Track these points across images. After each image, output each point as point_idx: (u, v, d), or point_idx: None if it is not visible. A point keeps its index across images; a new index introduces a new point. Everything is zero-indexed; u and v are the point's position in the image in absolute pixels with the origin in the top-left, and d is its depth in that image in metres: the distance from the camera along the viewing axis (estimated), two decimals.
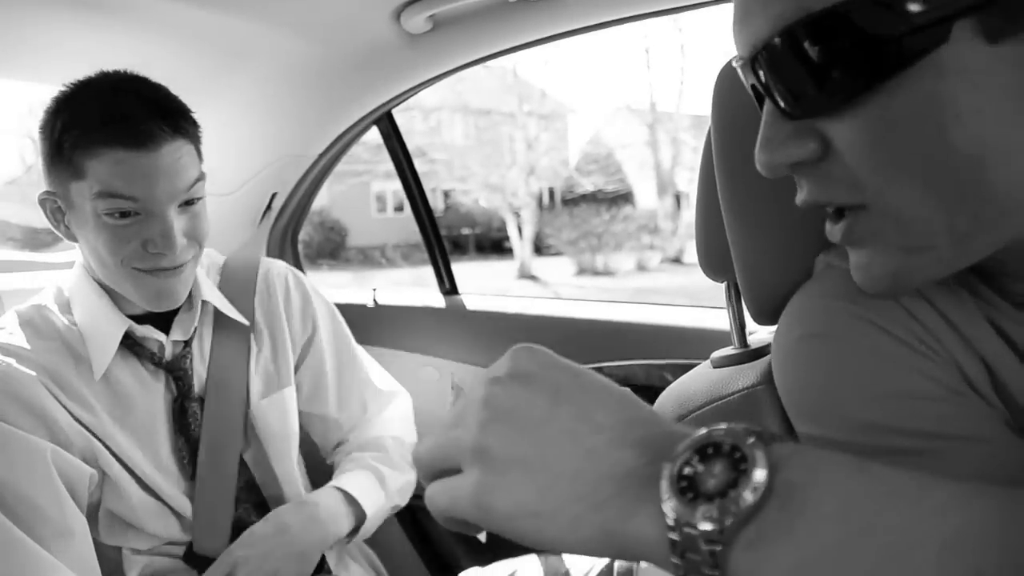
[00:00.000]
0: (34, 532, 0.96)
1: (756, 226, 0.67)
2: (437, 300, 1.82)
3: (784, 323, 0.59)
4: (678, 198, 18.79)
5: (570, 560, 1.24)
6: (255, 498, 1.28)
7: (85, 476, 1.06)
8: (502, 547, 1.32)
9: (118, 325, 1.14)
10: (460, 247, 19.85)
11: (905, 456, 0.49)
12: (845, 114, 0.47)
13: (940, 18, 0.42)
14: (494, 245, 19.77)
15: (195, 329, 1.23)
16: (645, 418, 0.44)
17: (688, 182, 18.65)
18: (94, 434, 1.10)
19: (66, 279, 1.20)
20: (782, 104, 0.49)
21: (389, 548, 1.63)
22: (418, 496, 1.77)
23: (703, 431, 0.39)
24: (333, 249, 17.88)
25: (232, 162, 1.75)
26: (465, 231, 20.30)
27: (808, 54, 0.45)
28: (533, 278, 16.56)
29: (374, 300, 1.86)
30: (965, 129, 0.44)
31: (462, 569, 1.19)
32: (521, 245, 17.39)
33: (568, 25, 1.34)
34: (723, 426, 0.39)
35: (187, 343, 1.21)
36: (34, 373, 1.06)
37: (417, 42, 1.43)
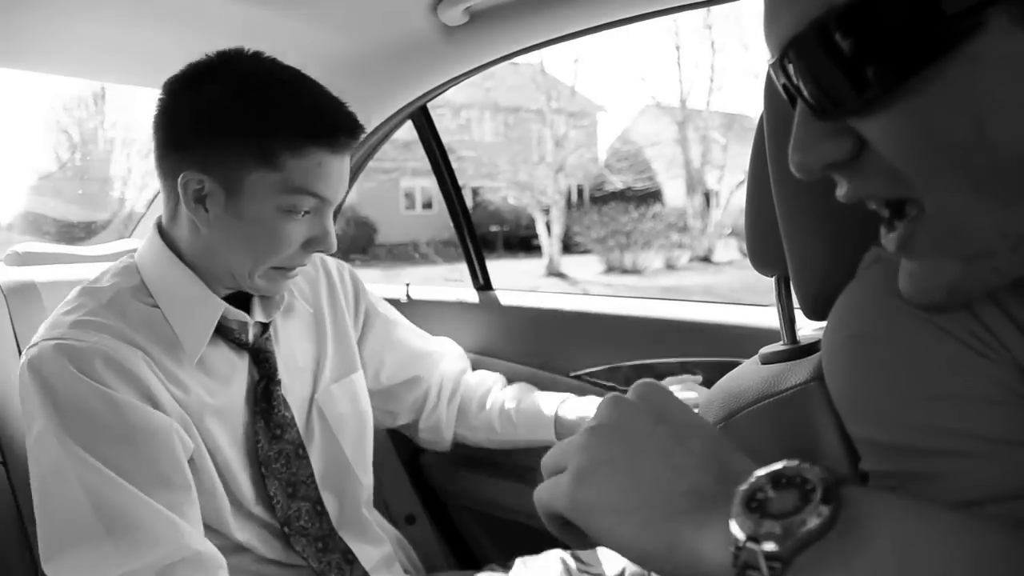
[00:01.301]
0: (160, 499, 0.97)
1: (810, 219, 0.66)
2: (471, 295, 1.81)
3: (833, 321, 0.57)
4: (707, 196, 18.72)
5: (591, 564, 1.24)
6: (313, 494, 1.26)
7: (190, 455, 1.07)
8: (527, 546, 1.31)
9: (214, 308, 1.12)
10: (488, 245, 19.88)
11: (962, 459, 0.47)
12: (878, 112, 0.44)
13: (974, 6, 0.39)
14: (522, 243, 19.80)
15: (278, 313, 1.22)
16: (732, 453, 0.48)
17: (718, 180, 18.59)
18: (190, 417, 1.08)
19: (127, 265, 1.15)
20: (813, 103, 0.47)
21: (424, 544, 1.62)
22: (449, 492, 1.78)
23: (779, 464, 0.43)
24: (363, 246, 17.99)
25: None
26: (493, 229, 20.34)
27: (836, 49, 0.43)
28: (561, 276, 16.56)
29: (407, 295, 1.85)
30: (1005, 123, 0.41)
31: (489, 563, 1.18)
32: (549, 243, 17.40)
33: (604, 18, 1.33)
34: (797, 462, 0.43)
35: (266, 326, 1.20)
36: (137, 349, 1.04)
37: (453, 34, 1.42)
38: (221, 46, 1.08)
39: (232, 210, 1.05)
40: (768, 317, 1.36)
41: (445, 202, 1.85)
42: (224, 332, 1.14)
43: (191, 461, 1.06)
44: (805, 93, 0.47)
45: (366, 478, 1.33)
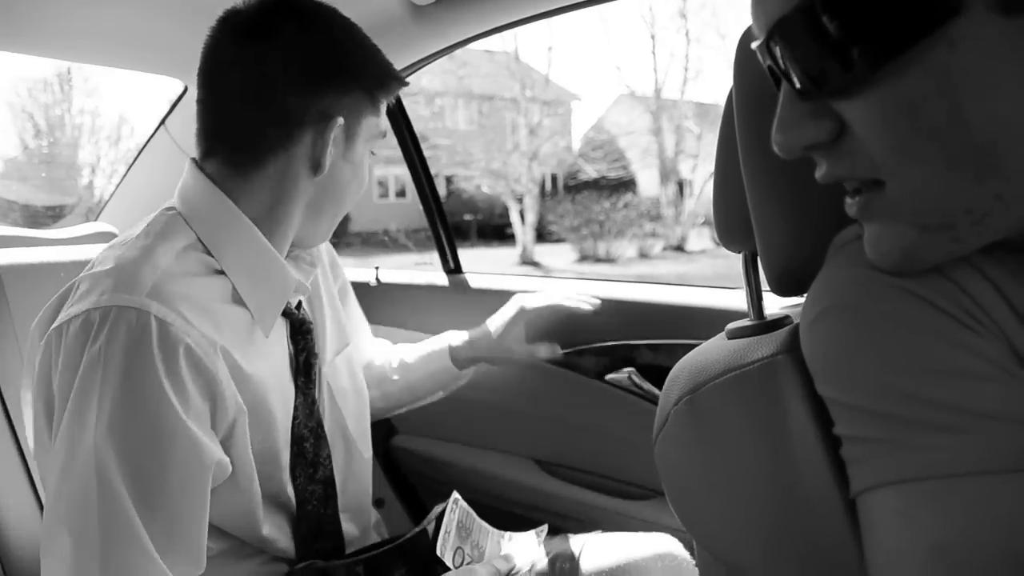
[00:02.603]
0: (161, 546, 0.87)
1: (779, 193, 0.66)
2: (440, 279, 1.80)
3: (813, 294, 0.57)
4: (681, 186, 18.80)
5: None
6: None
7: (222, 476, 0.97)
8: (497, 527, 1.31)
9: (288, 278, 1.04)
10: (462, 233, 19.85)
11: (946, 433, 0.47)
12: (859, 93, 0.46)
13: None
14: (496, 231, 19.79)
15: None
16: None
17: (691, 170, 18.68)
18: (251, 403, 0.99)
19: (172, 219, 1.01)
20: (797, 84, 0.49)
21: (393, 528, 1.62)
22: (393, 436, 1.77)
23: None
24: (336, 233, 17.88)
25: None
26: (467, 217, 20.32)
27: (821, 30, 0.45)
28: (535, 264, 16.58)
29: (376, 279, 1.84)
30: (981, 105, 0.43)
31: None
32: (523, 231, 17.40)
33: None
34: None
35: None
36: (213, 344, 0.93)
37: (423, 14, 1.41)
38: (187, 23, 1.06)
39: (348, 154, 1.06)
40: (738, 299, 1.37)
41: (414, 184, 1.84)
42: None
43: (233, 460, 0.98)
44: (791, 73, 0.49)
45: (367, 452, 1.28)
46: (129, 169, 1.93)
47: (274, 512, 1.09)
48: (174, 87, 1.73)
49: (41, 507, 1.20)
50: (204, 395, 0.91)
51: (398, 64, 1.58)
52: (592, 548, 1.19)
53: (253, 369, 1.00)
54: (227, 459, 0.95)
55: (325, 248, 1.34)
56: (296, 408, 1.09)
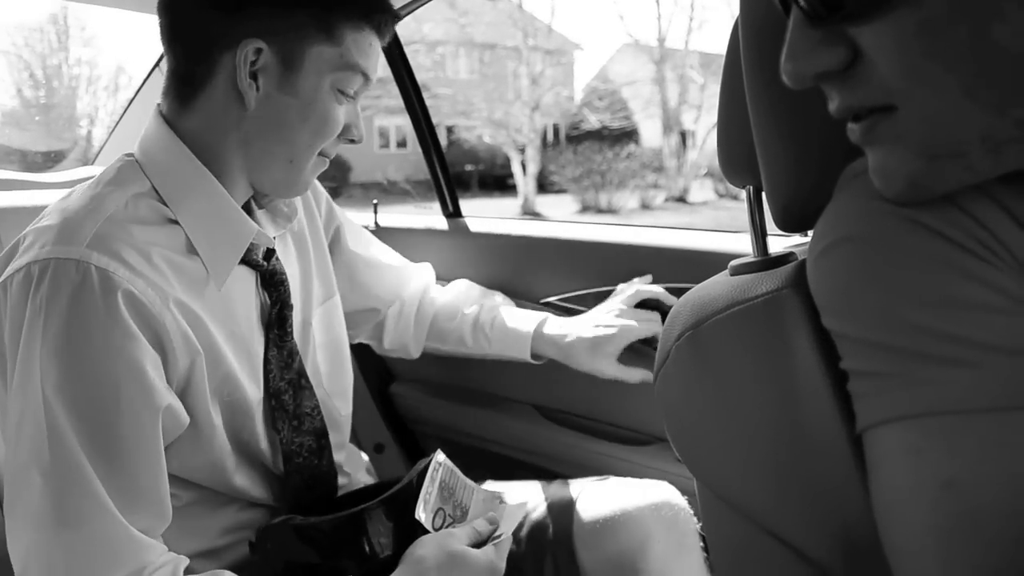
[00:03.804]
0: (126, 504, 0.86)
1: (785, 125, 0.64)
2: (440, 223, 1.78)
3: (821, 226, 0.55)
4: (683, 136, 18.69)
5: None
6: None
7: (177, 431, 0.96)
8: (497, 473, 1.31)
9: (247, 228, 1.00)
10: (463, 184, 19.76)
11: (959, 368, 0.45)
12: (875, 16, 0.43)
13: None
14: (497, 182, 19.71)
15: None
16: None
17: (694, 120, 18.55)
18: (205, 353, 0.96)
19: (126, 165, 0.99)
20: (808, 9, 0.46)
21: (392, 473, 1.63)
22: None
23: None
24: (337, 184, 17.85)
25: None
26: (468, 167, 20.22)
27: None
28: (536, 215, 16.54)
29: (376, 223, 1.82)
30: (1009, 25, 0.40)
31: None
32: (524, 182, 17.36)
33: None
34: None
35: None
36: (161, 293, 0.91)
37: None
38: None
39: (287, 87, 0.97)
40: (739, 243, 1.35)
41: (415, 130, 1.81)
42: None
43: (191, 411, 0.96)
44: None
45: (345, 408, 1.26)
46: (124, 113, 1.91)
47: (247, 463, 1.07)
48: None
49: None
50: (152, 342, 0.89)
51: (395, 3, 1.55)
52: (589, 495, 1.18)
53: (211, 320, 0.98)
54: (179, 405, 0.94)
55: (320, 192, 1.31)
56: (270, 361, 1.07)
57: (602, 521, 1.13)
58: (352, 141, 1.07)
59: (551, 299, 1.52)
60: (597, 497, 1.18)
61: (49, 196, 1.39)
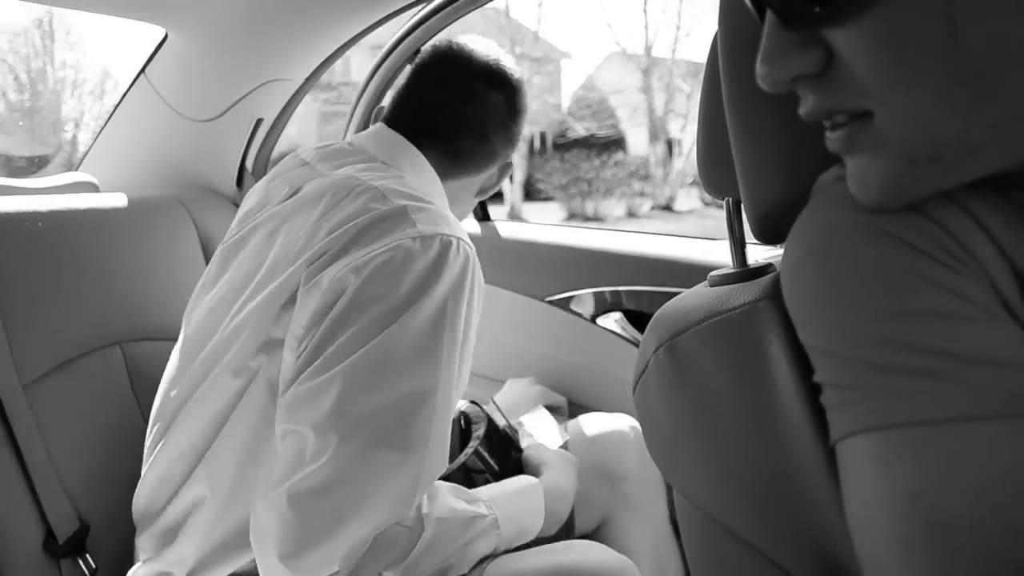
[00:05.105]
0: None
1: (763, 137, 0.64)
2: (472, 227, 1.98)
3: (793, 238, 0.56)
4: (670, 145, 18.71)
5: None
6: None
7: None
8: None
9: None
10: None
11: (926, 378, 0.45)
12: (850, 20, 0.44)
13: None
14: None
15: None
16: None
17: (681, 129, 18.57)
18: None
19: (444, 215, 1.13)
20: (783, 12, 0.46)
21: None
22: None
23: None
24: None
25: (214, 86, 1.70)
26: None
27: None
28: (522, 222, 16.51)
29: None
30: (980, 27, 0.41)
31: None
32: (511, 189, 17.32)
33: None
34: None
35: None
36: None
37: None
38: None
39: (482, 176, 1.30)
40: (722, 252, 1.37)
41: None
42: None
43: None
44: (776, 1, 0.46)
45: None
46: (109, 118, 1.90)
47: None
48: (155, 35, 1.70)
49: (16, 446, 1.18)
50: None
51: (382, 11, 1.56)
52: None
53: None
54: None
55: None
56: None
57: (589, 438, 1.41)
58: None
59: (554, 297, 1.71)
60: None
61: (37, 202, 1.39)
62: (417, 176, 1.17)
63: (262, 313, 1.01)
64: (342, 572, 0.90)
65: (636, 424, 1.42)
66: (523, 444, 1.30)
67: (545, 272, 1.74)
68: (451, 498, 1.00)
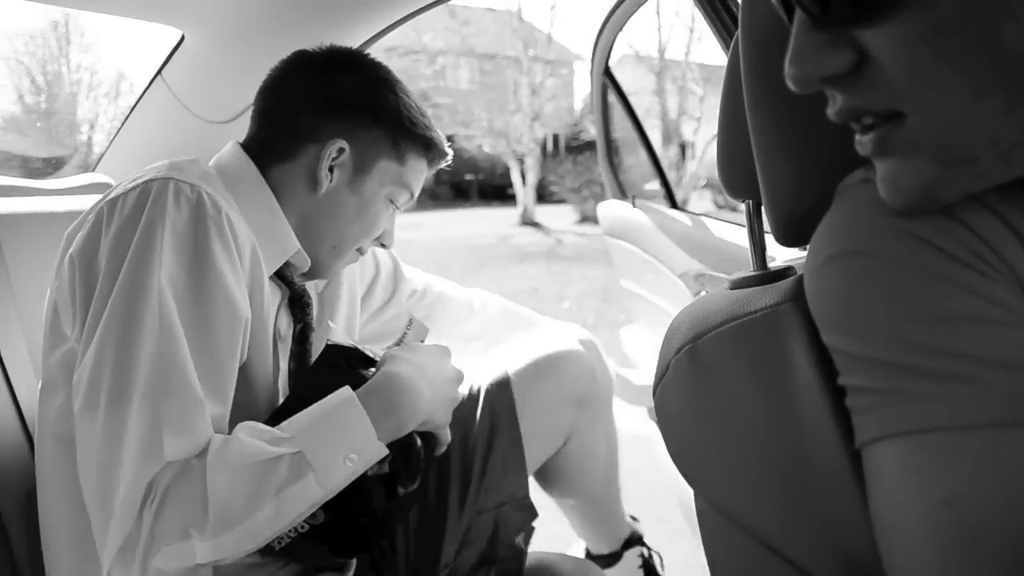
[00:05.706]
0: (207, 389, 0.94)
1: (785, 138, 0.64)
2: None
3: (818, 240, 0.55)
4: (683, 148, 18.70)
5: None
6: None
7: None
8: None
9: (291, 242, 1.13)
10: (463, 193, 19.77)
11: (956, 383, 0.45)
12: (884, 20, 0.43)
13: None
14: (497, 191, 19.74)
15: None
16: None
17: (694, 132, 18.56)
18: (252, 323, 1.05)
19: (205, 171, 1.08)
20: (813, 12, 0.45)
21: None
22: None
23: None
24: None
25: (228, 87, 1.70)
26: (468, 177, 20.23)
27: None
28: (536, 225, 16.54)
29: None
30: (1019, 25, 0.40)
31: None
32: (524, 192, 17.34)
33: None
34: None
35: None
36: (249, 240, 1.04)
37: None
38: None
39: (354, 186, 1.14)
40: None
41: None
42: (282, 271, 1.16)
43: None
44: (806, 1, 0.45)
45: None
46: (126, 120, 1.91)
47: None
48: (171, 37, 1.70)
49: (32, 450, 1.19)
50: (243, 261, 1.01)
51: (398, 13, 1.56)
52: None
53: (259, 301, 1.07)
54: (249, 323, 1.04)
55: (389, 258, 1.51)
56: (290, 372, 1.16)
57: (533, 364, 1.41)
58: (383, 245, 1.25)
59: None
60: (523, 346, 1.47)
61: (53, 203, 1.40)
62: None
63: None
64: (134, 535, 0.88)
65: (585, 335, 1.52)
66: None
67: None
68: (247, 441, 0.93)
